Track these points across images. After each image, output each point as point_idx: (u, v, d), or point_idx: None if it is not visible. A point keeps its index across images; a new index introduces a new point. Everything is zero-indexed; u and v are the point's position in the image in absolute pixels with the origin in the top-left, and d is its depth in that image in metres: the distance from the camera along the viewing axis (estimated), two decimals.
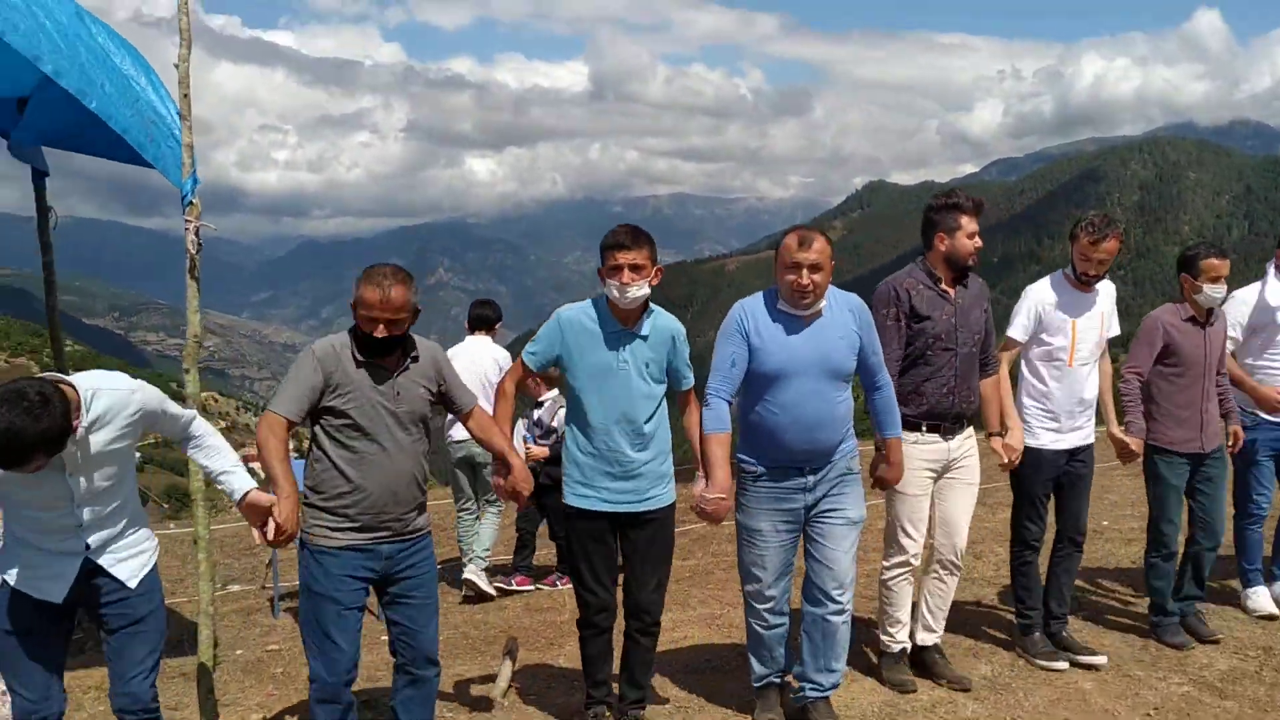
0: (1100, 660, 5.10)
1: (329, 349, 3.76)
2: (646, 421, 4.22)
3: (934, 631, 5.01)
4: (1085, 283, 5.04)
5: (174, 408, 3.62)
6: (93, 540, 3.41)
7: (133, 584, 3.51)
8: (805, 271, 4.08)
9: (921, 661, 5.00)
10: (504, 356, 6.98)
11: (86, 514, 3.37)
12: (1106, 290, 5.19)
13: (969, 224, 4.70)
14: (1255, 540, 5.87)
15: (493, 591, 6.75)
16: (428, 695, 4.02)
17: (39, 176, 6.06)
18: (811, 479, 4.25)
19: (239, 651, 5.70)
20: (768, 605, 4.35)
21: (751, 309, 4.24)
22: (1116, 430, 5.35)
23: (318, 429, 3.78)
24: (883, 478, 4.52)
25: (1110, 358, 5.41)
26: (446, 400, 4.01)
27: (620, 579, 4.37)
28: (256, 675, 5.35)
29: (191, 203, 4.24)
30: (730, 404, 4.21)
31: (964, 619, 5.62)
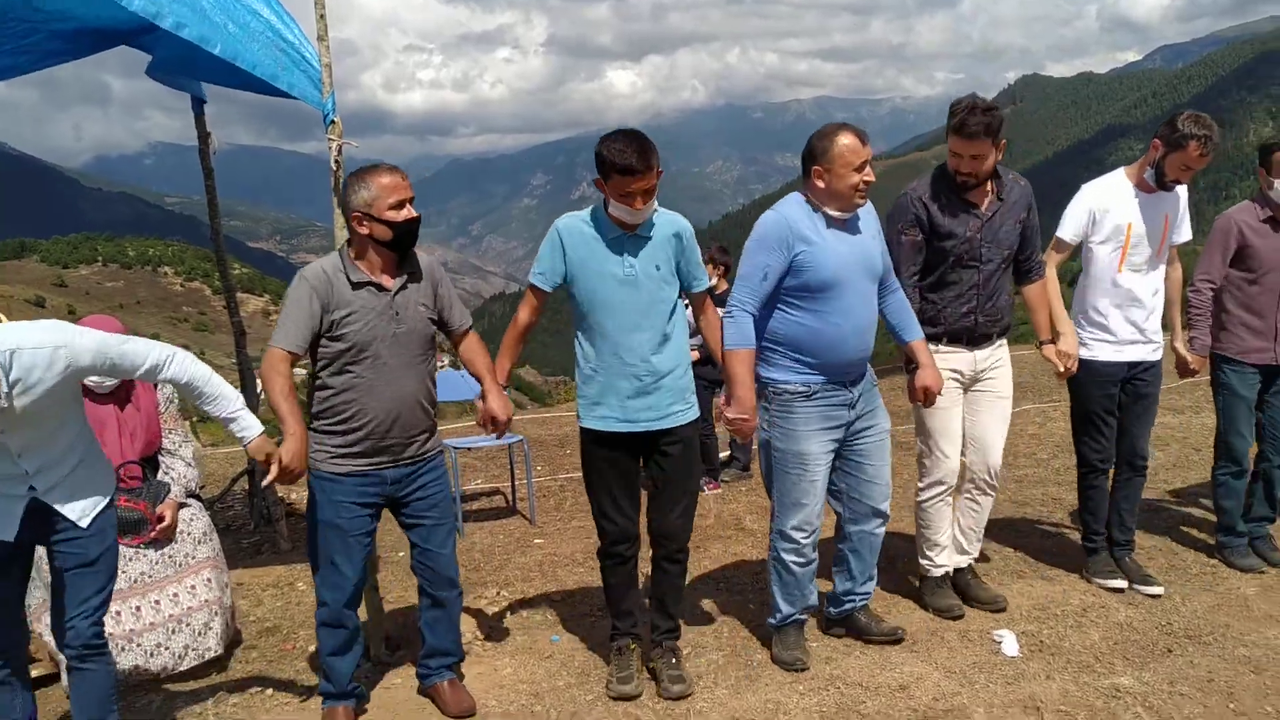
0: (1158, 590, 4.76)
1: (320, 273, 3.63)
2: (662, 330, 3.94)
3: (967, 554, 4.79)
4: (1158, 184, 4.64)
5: (126, 353, 3.24)
6: (39, 482, 3.20)
7: (84, 523, 3.29)
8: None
9: (957, 584, 4.79)
10: None
11: (30, 462, 3.17)
12: (1174, 191, 4.75)
13: (953, 142, 4.28)
14: None
15: None
16: (451, 617, 3.99)
17: (198, 104, 6.33)
18: (855, 391, 4.09)
19: (401, 554, 5.97)
20: (810, 537, 4.16)
21: (793, 217, 3.96)
22: (1179, 344, 4.99)
23: (319, 354, 3.68)
24: (925, 385, 4.20)
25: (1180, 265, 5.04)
26: (441, 320, 3.87)
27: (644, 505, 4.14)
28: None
29: (333, 121, 4.35)
30: (754, 318, 3.97)
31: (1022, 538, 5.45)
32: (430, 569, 3.91)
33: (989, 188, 4.40)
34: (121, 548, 4.22)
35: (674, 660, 4.10)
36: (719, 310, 4.16)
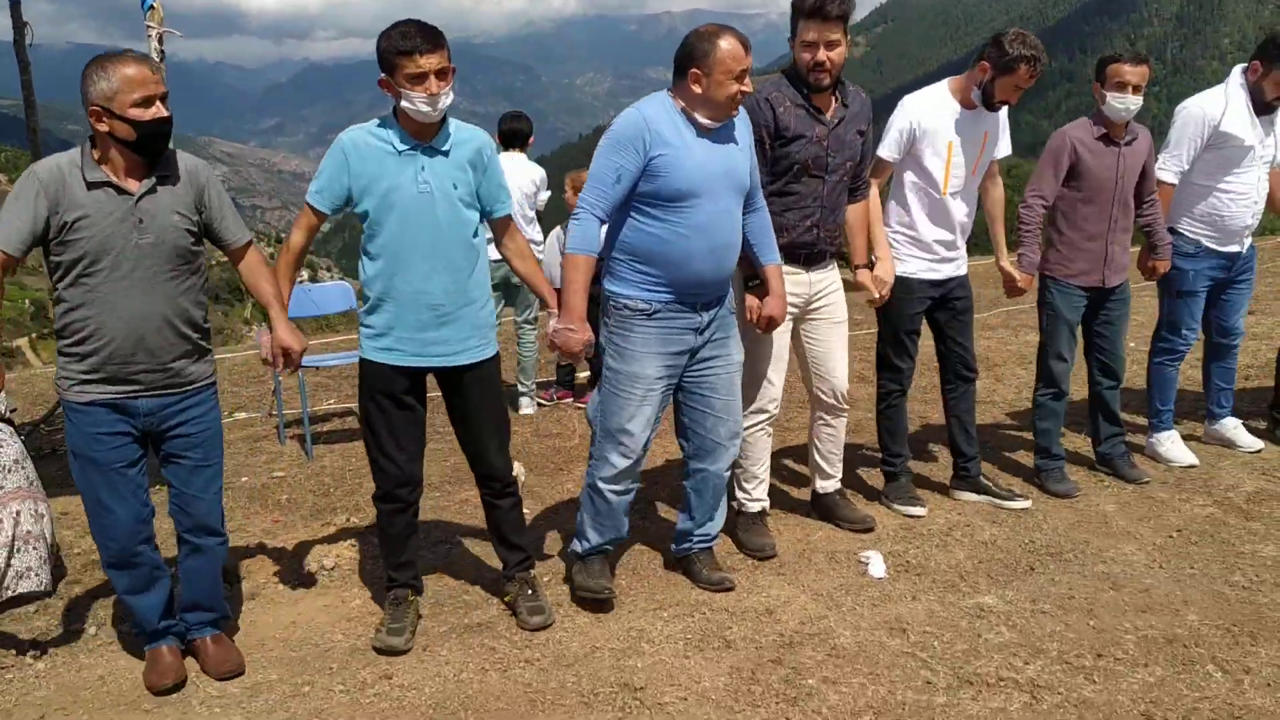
0: (1024, 504, 4.78)
1: (53, 169, 3.15)
2: (460, 256, 3.59)
3: (832, 477, 4.68)
4: (986, 106, 4.48)
5: None
6: None
7: None
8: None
9: (823, 506, 4.70)
10: (541, 176, 6.80)
11: None
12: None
13: (806, 30, 3.99)
14: (1170, 378, 5.39)
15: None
16: (211, 567, 3.58)
17: None
18: (705, 316, 3.78)
19: (244, 479, 5.63)
20: (630, 464, 3.84)
21: (654, 117, 3.61)
22: (1005, 262, 4.87)
23: (51, 262, 3.21)
24: (770, 315, 3.97)
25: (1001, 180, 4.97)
26: (210, 233, 3.40)
27: (461, 447, 3.88)
28: (262, 502, 5.29)
29: (152, 7, 3.91)
30: (603, 223, 3.66)
31: (983, 440, 5.45)
32: (187, 514, 3.48)
33: (834, 95, 4.15)
34: None
35: (530, 591, 3.88)
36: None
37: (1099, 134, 4.75)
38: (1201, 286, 5.23)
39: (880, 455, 4.97)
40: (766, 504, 4.52)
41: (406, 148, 3.49)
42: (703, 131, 3.65)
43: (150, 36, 3.96)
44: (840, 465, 4.69)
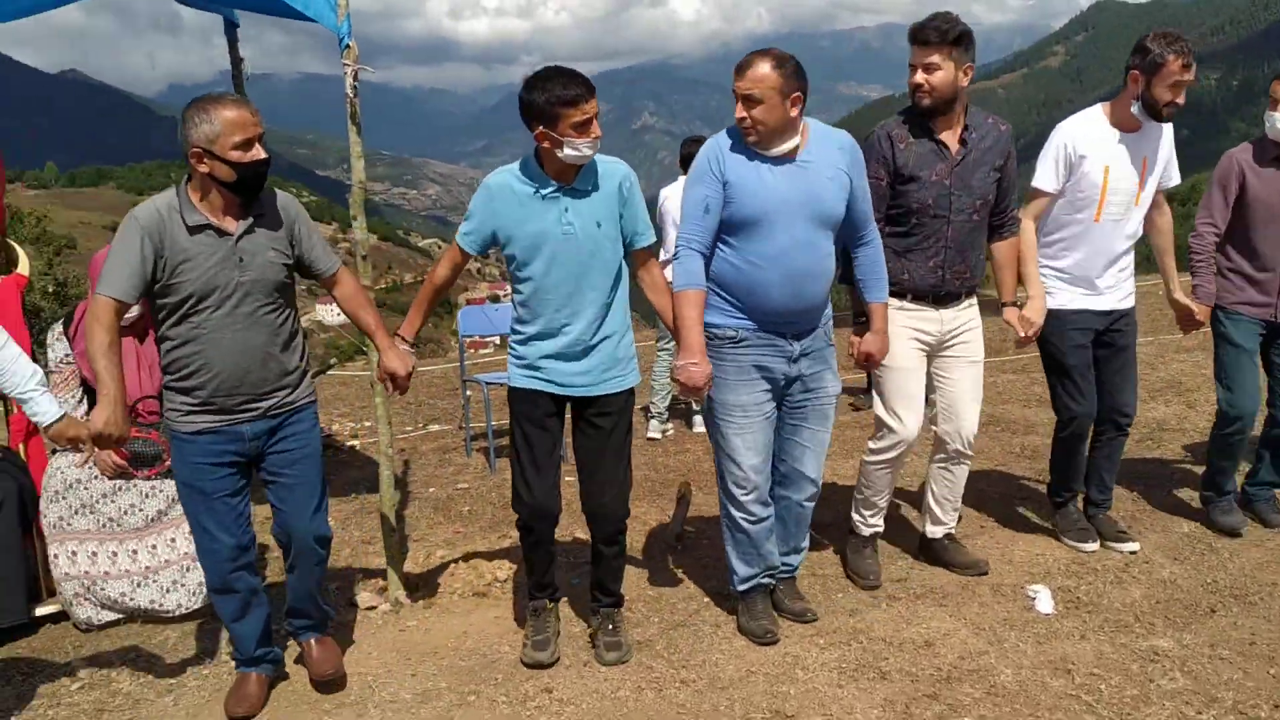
0: (1132, 547, 4.53)
1: (153, 214, 3.23)
2: (602, 291, 3.64)
3: (943, 524, 4.48)
4: (1154, 116, 4.19)
5: None
6: None
7: None
8: (740, 104, 3.53)
9: (931, 551, 4.52)
10: None
11: None
12: (1154, 126, 4.31)
13: (912, 54, 3.94)
14: None
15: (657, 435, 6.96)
16: (308, 584, 3.68)
17: (230, 27, 6.19)
18: (796, 346, 3.75)
19: (431, 490, 5.94)
20: (754, 494, 3.84)
21: (722, 145, 3.65)
22: (1177, 294, 4.59)
23: (156, 304, 3.32)
24: (868, 351, 3.91)
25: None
26: (302, 265, 3.51)
27: (578, 483, 3.89)
28: (445, 513, 5.56)
29: (348, 45, 4.18)
30: (705, 258, 3.68)
31: (1150, 471, 5.21)
32: (286, 531, 3.58)
33: (958, 130, 4.01)
34: (140, 484, 4.21)
35: (611, 626, 3.93)
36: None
37: (1271, 155, 4.43)
38: None
39: (1050, 486, 4.80)
40: (880, 529, 4.46)
41: (550, 190, 3.56)
42: (779, 159, 3.61)
43: (346, 73, 4.23)
44: (955, 513, 4.50)
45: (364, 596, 4.43)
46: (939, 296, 4.10)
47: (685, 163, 6.90)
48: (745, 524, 3.91)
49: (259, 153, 3.24)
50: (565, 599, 4.32)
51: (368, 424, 7.62)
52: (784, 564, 4.12)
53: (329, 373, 8.34)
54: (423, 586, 4.55)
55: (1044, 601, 4.08)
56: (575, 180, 3.59)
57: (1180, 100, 4.18)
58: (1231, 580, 4.23)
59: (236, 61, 6.26)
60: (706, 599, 4.25)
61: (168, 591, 4.20)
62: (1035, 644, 3.80)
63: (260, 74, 6.60)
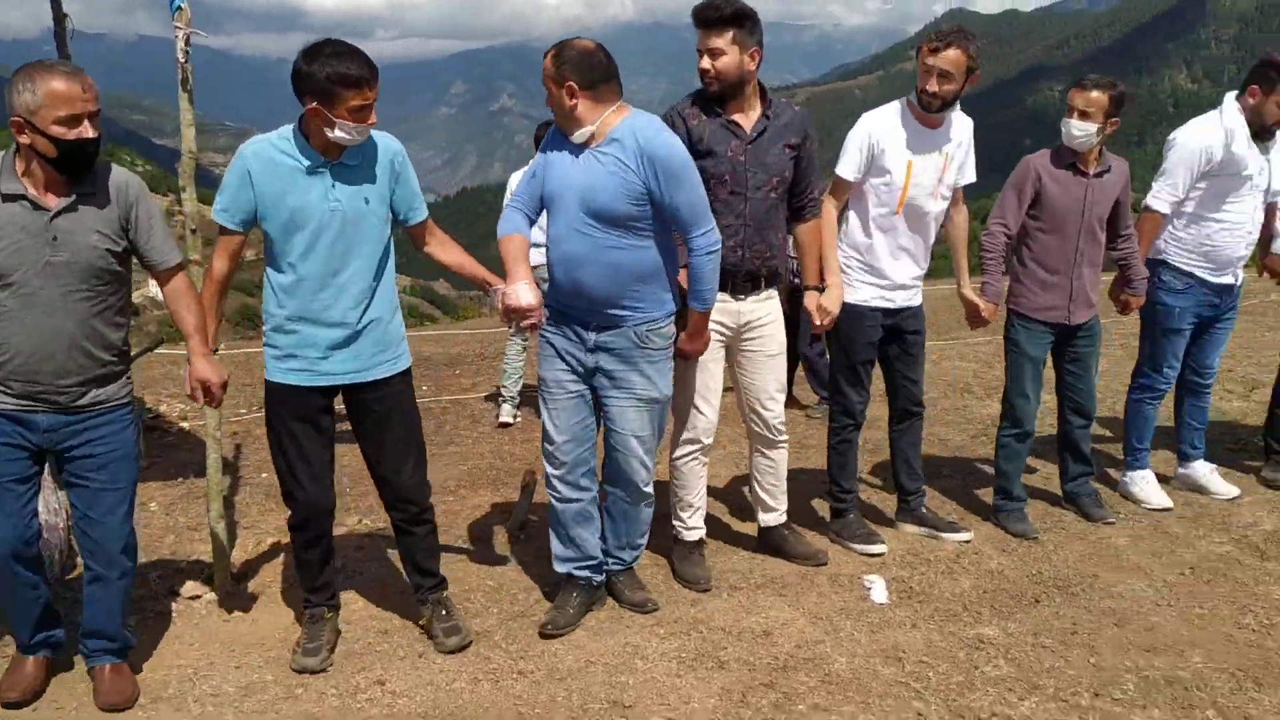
0: (965, 536, 4.66)
1: None
2: (369, 273, 3.48)
3: (775, 510, 4.50)
4: (927, 109, 4.25)
5: None
6: None
7: None
8: (552, 87, 3.59)
9: (770, 541, 4.54)
10: None
11: None
12: (960, 126, 4.41)
13: (698, 38, 3.95)
14: (1148, 417, 5.20)
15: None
16: (111, 596, 3.39)
17: None
18: (592, 337, 3.71)
19: (264, 475, 5.69)
20: (561, 472, 3.85)
21: (556, 126, 3.73)
22: (967, 290, 4.69)
23: None
24: (681, 349, 3.91)
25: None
26: (137, 252, 3.27)
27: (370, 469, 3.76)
28: (278, 499, 5.31)
29: (180, 7, 3.95)
30: (529, 217, 3.77)
31: (983, 467, 5.38)
32: (89, 538, 3.33)
33: (754, 106, 4.02)
34: None
35: (444, 612, 3.80)
36: None
37: (1066, 162, 4.58)
38: (1187, 324, 5.04)
39: (829, 489, 4.79)
40: (703, 532, 4.40)
41: (316, 165, 3.37)
42: (579, 147, 3.62)
43: (177, 37, 4.00)
44: (784, 497, 4.52)
45: (188, 586, 4.21)
46: (737, 280, 4.07)
47: (539, 145, 6.82)
48: (555, 501, 3.91)
49: (86, 131, 3.01)
50: (399, 589, 4.21)
51: (198, 405, 7.27)
52: (615, 558, 4.09)
53: (158, 350, 7.93)
54: (251, 575, 4.35)
55: (879, 591, 4.17)
56: (343, 155, 3.41)
57: (934, 88, 4.19)
58: (1055, 571, 4.40)
59: (60, 18, 5.86)
60: (549, 589, 4.18)
61: None
62: (869, 633, 3.87)
63: (93, 33, 6.14)
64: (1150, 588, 4.27)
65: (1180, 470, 5.40)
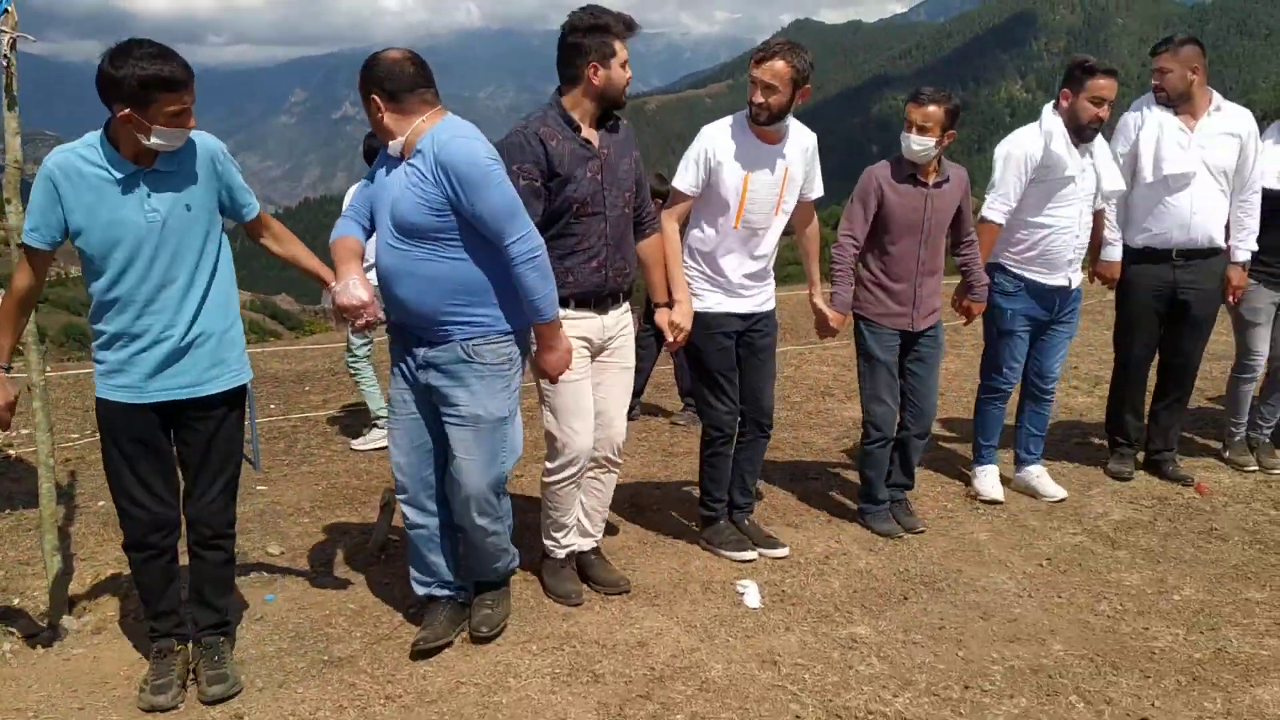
0: (782, 552, 4.58)
1: None
2: (200, 282, 3.32)
3: (591, 536, 4.32)
4: (755, 120, 4.21)
5: None
6: None
7: None
8: (363, 99, 3.52)
9: (577, 565, 4.32)
10: None
11: None
12: (798, 141, 4.39)
13: (622, 50, 3.84)
14: (995, 417, 5.34)
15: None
16: None
17: None
18: (423, 353, 3.54)
19: (101, 503, 5.34)
20: (404, 496, 3.72)
21: None
22: (817, 299, 4.73)
23: None
24: (541, 369, 3.72)
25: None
26: None
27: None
28: (117, 529, 5.00)
29: (6, 9, 3.67)
30: (365, 228, 3.63)
31: (850, 467, 5.45)
32: None
33: (594, 128, 3.91)
34: None
35: (216, 658, 3.52)
36: None
37: (905, 174, 4.65)
38: (1020, 327, 5.14)
39: (700, 498, 4.74)
40: (574, 547, 4.27)
41: (127, 174, 3.17)
42: (396, 158, 3.51)
43: (2, 42, 3.72)
44: (602, 524, 4.38)
45: (22, 624, 3.90)
46: (600, 298, 3.98)
47: (369, 156, 6.55)
48: (406, 525, 3.79)
49: (191, 121, 3.00)
50: (257, 616, 3.99)
51: (24, 431, 6.81)
52: (458, 586, 3.89)
53: None
54: (91, 610, 4.07)
55: (752, 596, 4.16)
56: (157, 162, 3.21)
57: (759, 99, 4.16)
58: (921, 568, 4.47)
59: None
60: (413, 610, 4.02)
61: None
62: (744, 638, 3.84)
63: None
64: (1011, 580, 4.38)
65: (1016, 474, 5.53)
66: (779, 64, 4.11)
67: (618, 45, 3.81)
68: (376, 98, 3.41)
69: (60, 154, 3.16)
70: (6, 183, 3.78)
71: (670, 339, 4.23)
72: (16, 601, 4.16)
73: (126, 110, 3.03)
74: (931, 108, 4.50)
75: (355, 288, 3.42)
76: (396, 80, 3.40)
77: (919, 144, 4.52)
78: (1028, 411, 5.43)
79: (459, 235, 3.40)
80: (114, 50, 3.05)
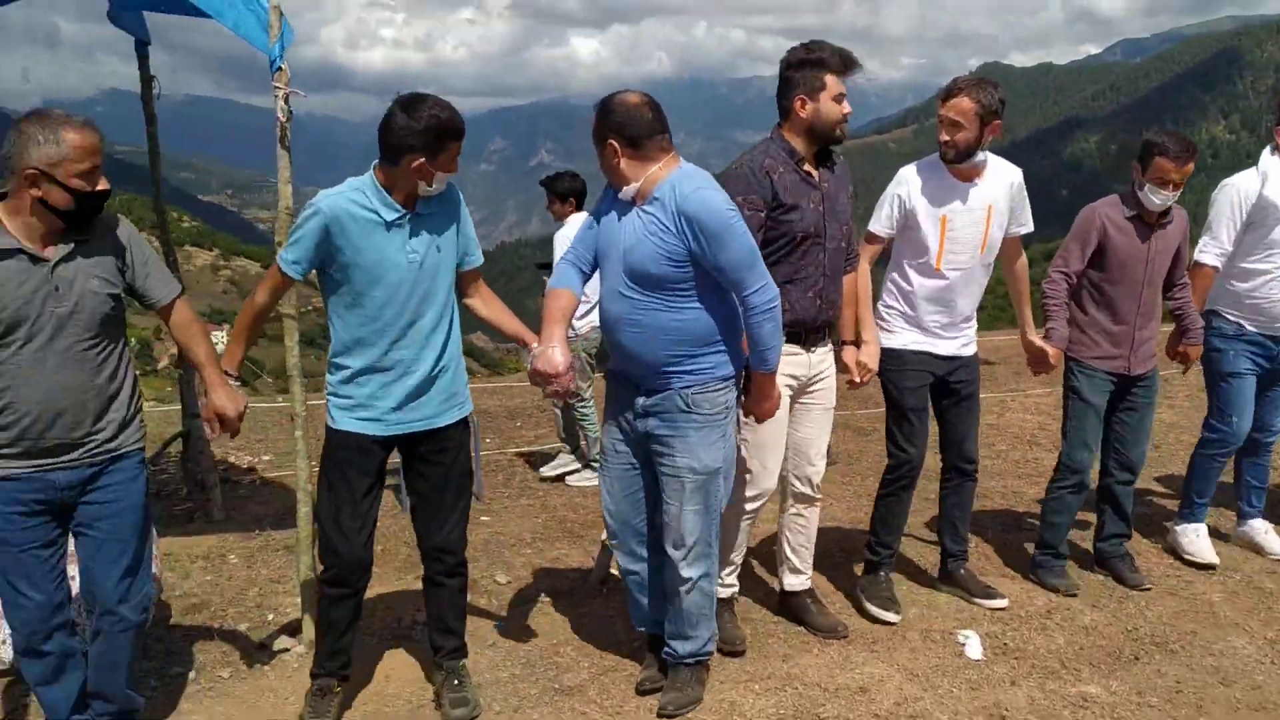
0: (1001, 603, 4.48)
1: None
2: (443, 320, 3.49)
3: (801, 574, 4.32)
4: (944, 159, 4.18)
5: None
6: None
7: None
8: (597, 143, 3.51)
9: (792, 607, 4.34)
10: None
11: None
12: (1000, 177, 4.30)
13: (836, 84, 3.81)
14: (1212, 471, 5.01)
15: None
16: (113, 651, 3.25)
17: (141, 46, 5.98)
18: (642, 401, 3.55)
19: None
20: (615, 541, 3.78)
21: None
22: (1032, 336, 4.61)
23: None
24: (749, 410, 3.72)
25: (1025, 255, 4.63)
26: (135, 293, 3.20)
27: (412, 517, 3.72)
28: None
29: (280, 68, 4.04)
30: (583, 272, 3.64)
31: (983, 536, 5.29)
32: (91, 591, 3.21)
33: (813, 163, 3.93)
34: None
35: (456, 682, 3.70)
36: None
37: (1130, 214, 4.51)
38: (1244, 368, 4.85)
39: (867, 540, 4.62)
40: (737, 588, 4.26)
41: (395, 217, 3.36)
42: (627, 203, 3.50)
43: (277, 96, 4.10)
44: (810, 561, 4.36)
45: (280, 639, 4.22)
46: (812, 330, 3.98)
47: (564, 197, 6.73)
48: (619, 570, 3.85)
49: (104, 183, 2.97)
50: (489, 642, 4.20)
51: (266, 458, 7.34)
52: (667, 646, 3.77)
53: None
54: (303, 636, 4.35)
55: (974, 647, 4.11)
56: (418, 205, 3.42)
57: (945, 136, 4.15)
58: (1151, 628, 4.32)
59: (147, 80, 6.06)
60: (637, 643, 4.15)
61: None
62: (969, 690, 3.81)
63: (138, 92, 6.29)
64: (1251, 645, 4.18)
65: (1239, 529, 5.27)
66: (964, 100, 4.10)
67: (829, 79, 3.81)
68: (614, 143, 3.40)
69: (331, 197, 3.35)
70: (279, 228, 4.14)
71: (857, 379, 4.21)
72: (270, 618, 4.49)
73: (420, 160, 3.26)
74: (1190, 165, 4.38)
75: (555, 354, 3.42)
76: (636, 126, 3.39)
77: (1165, 199, 4.41)
78: (1246, 464, 5.17)
79: (694, 286, 3.42)
80: (405, 102, 3.28)
